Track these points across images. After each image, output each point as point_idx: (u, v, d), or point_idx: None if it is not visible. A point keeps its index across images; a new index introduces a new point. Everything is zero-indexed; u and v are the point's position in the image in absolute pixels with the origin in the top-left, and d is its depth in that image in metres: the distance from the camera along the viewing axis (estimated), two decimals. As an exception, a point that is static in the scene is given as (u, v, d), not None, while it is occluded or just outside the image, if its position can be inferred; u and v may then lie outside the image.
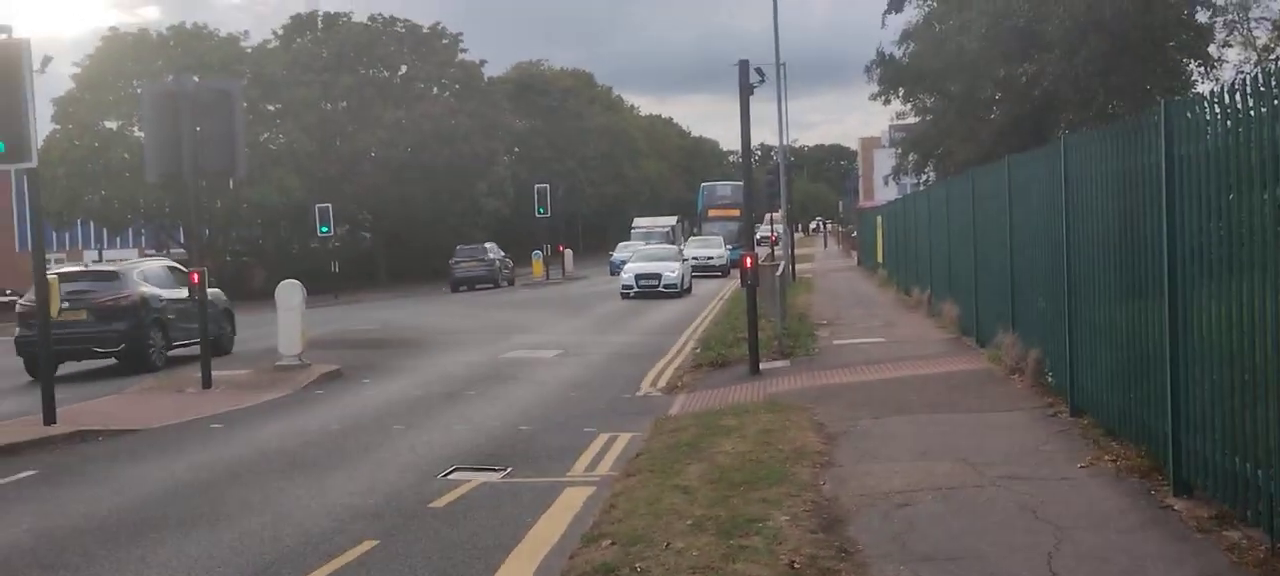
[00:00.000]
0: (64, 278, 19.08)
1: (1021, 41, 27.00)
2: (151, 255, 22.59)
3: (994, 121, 30.49)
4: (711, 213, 59.01)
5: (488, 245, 48.68)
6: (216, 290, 22.40)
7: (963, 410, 10.93)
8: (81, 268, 22.07)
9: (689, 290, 35.69)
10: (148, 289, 19.84)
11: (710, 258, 48.86)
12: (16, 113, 12.03)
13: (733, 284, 33.79)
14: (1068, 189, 9.72)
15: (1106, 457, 8.29)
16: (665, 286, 33.81)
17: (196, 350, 17.28)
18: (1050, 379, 10.92)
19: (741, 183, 17.81)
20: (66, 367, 18.96)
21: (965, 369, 13.61)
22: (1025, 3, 26.68)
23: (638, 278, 34.24)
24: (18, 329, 19.41)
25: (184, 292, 18.82)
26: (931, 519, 7.11)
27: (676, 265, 35.36)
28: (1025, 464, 8.39)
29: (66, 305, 18.28)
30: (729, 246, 49.21)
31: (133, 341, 19.17)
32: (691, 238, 56.67)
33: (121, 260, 22.95)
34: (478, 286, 44.98)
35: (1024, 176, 12.01)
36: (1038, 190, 11.16)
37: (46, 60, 30.34)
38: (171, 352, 20.02)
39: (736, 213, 54.77)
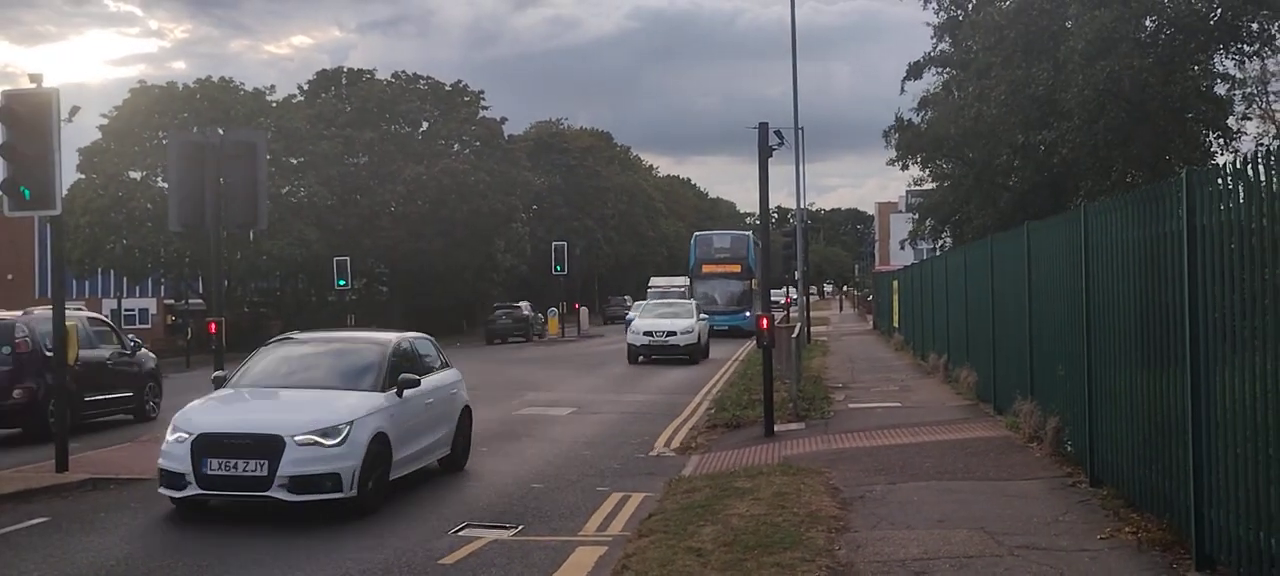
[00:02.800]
0: (499, 306, 51.58)
1: (1040, 109, 27.06)
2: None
3: (1011, 188, 30.51)
4: (706, 268, 47.65)
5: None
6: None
7: (980, 477, 10.81)
8: (507, 304, 51.70)
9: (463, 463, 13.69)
10: (529, 313, 50.83)
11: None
12: (44, 160, 12.19)
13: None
14: (1088, 256, 9.68)
15: (1127, 529, 8.17)
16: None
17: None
18: (1069, 448, 10.80)
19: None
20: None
21: (982, 435, 13.48)
22: (1045, 72, 26.73)
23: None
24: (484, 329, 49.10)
25: (532, 315, 51.50)
26: (949, 588, 6.99)
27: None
28: (1044, 534, 8.27)
29: (502, 316, 49.71)
30: (703, 316, 35.48)
31: (523, 334, 48.35)
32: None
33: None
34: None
35: (1043, 243, 11.98)
36: (1057, 257, 11.12)
37: (75, 110, 30.69)
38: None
39: (737, 269, 46.91)
